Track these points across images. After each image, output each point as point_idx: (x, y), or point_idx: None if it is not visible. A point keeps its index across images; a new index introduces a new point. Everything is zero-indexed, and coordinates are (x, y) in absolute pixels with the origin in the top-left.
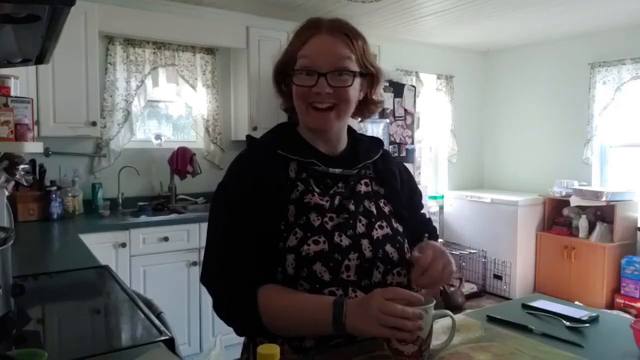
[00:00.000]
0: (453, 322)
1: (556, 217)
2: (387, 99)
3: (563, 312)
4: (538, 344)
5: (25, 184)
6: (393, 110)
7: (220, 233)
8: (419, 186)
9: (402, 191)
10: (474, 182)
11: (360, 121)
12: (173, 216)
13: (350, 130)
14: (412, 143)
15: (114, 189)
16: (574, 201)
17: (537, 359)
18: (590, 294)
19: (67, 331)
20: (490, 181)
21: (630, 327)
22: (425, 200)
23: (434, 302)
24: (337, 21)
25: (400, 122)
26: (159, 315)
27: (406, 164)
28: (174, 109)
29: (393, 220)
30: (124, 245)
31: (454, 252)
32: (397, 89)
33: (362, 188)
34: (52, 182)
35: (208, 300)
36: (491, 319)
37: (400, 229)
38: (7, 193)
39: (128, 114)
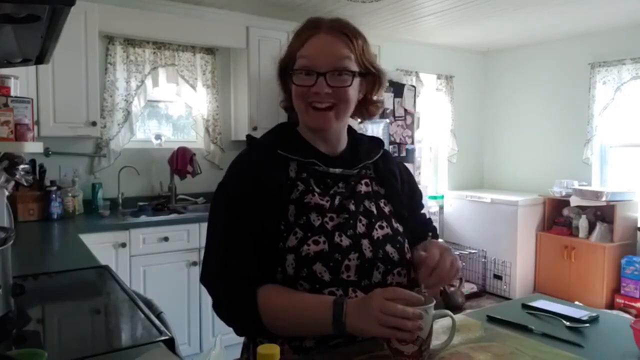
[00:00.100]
0: (453, 322)
1: (556, 217)
2: (387, 99)
3: (563, 312)
4: (538, 344)
5: (25, 184)
6: (393, 110)
7: (220, 233)
8: (419, 186)
9: (403, 191)
10: (474, 182)
11: (360, 122)
12: (173, 216)
13: (350, 130)
14: (412, 143)
15: (114, 189)
16: (574, 201)
17: (537, 359)
18: (590, 294)
19: (67, 331)
20: (490, 181)
21: (630, 327)
22: (425, 200)
23: (434, 302)
24: (337, 21)
25: (400, 122)
26: (159, 315)
27: (406, 164)
28: (174, 109)
29: (393, 221)
30: (124, 245)
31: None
32: (397, 89)
33: (363, 188)
34: (52, 182)
35: (208, 300)
36: (491, 319)
37: (401, 229)
38: (7, 193)
39: (128, 114)
